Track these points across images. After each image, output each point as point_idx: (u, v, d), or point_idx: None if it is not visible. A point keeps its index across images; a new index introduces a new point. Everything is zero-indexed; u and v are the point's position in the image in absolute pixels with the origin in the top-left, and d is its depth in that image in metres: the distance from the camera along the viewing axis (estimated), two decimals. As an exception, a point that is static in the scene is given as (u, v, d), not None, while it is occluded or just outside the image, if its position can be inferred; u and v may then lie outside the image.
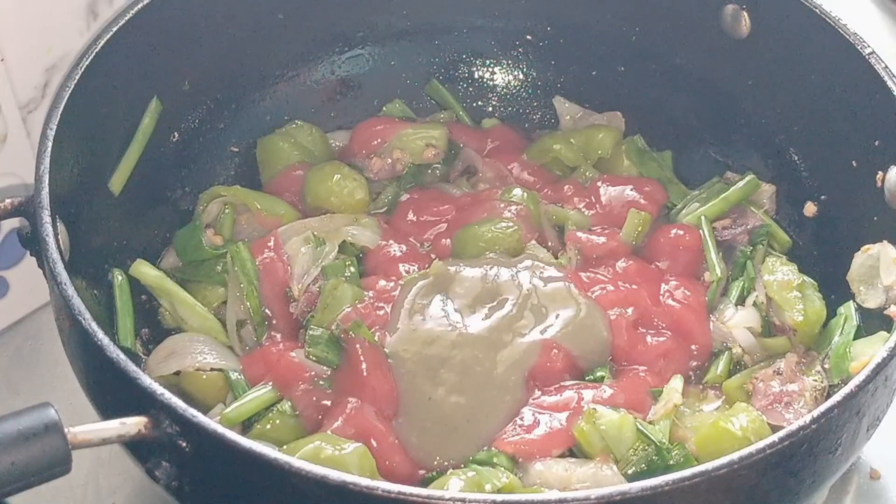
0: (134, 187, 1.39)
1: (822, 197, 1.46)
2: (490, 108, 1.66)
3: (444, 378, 1.28)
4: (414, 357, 1.30)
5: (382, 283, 1.38)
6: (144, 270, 1.37)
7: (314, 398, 1.29)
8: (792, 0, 1.40)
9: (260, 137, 1.55)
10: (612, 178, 1.53)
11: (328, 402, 1.29)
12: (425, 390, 1.28)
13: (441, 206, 1.50)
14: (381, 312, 1.34)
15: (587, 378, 1.32)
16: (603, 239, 1.45)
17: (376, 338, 1.30)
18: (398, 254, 1.43)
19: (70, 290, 1.12)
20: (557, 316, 1.34)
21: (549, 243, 1.46)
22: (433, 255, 1.44)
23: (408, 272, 1.41)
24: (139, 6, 1.36)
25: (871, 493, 1.38)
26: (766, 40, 1.46)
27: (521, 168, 1.56)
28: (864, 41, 1.35)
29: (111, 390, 1.11)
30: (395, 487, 0.99)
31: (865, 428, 1.13)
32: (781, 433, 1.03)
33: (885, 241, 1.31)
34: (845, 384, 1.09)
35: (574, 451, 1.25)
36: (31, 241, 1.21)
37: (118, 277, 1.34)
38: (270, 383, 1.30)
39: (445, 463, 1.24)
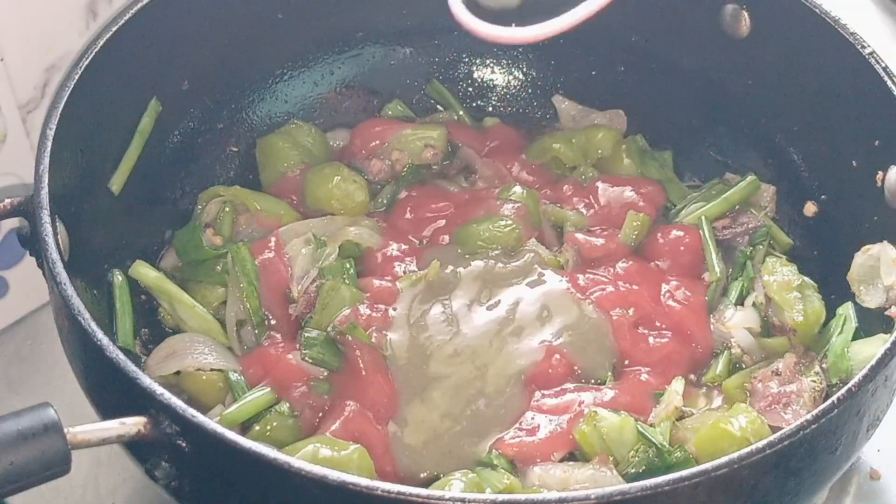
0: (134, 187, 1.39)
1: (822, 197, 1.45)
2: (490, 108, 1.66)
3: (439, 400, 1.28)
4: (411, 369, 1.30)
5: (378, 283, 1.38)
6: (144, 271, 1.36)
7: (312, 400, 1.29)
8: (792, 0, 1.40)
9: (260, 137, 1.55)
10: (611, 179, 1.52)
11: (326, 405, 1.29)
12: (420, 411, 1.27)
13: (439, 203, 1.50)
14: (378, 314, 1.34)
15: (589, 382, 1.32)
16: (601, 241, 1.45)
17: (373, 339, 1.30)
18: (395, 253, 1.43)
19: (70, 290, 1.12)
20: (558, 321, 1.34)
21: (548, 242, 1.46)
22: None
23: (405, 272, 1.40)
24: (139, 6, 1.36)
25: (871, 493, 1.37)
26: (766, 40, 1.46)
27: (520, 167, 1.55)
28: (864, 41, 1.35)
29: (111, 390, 1.11)
30: (395, 487, 0.98)
31: (865, 428, 1.13)
32: (781, 433, 1.03)
33: (885, 241, 1.31)
34: (843, 384, 1.09)
35: (575, 455, 1.25)
36: (31, 241, 1.21)
37: (118, 278, 1.34)
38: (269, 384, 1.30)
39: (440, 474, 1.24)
